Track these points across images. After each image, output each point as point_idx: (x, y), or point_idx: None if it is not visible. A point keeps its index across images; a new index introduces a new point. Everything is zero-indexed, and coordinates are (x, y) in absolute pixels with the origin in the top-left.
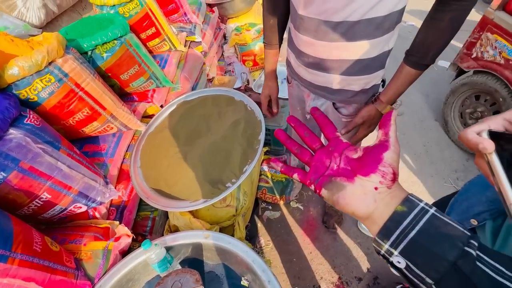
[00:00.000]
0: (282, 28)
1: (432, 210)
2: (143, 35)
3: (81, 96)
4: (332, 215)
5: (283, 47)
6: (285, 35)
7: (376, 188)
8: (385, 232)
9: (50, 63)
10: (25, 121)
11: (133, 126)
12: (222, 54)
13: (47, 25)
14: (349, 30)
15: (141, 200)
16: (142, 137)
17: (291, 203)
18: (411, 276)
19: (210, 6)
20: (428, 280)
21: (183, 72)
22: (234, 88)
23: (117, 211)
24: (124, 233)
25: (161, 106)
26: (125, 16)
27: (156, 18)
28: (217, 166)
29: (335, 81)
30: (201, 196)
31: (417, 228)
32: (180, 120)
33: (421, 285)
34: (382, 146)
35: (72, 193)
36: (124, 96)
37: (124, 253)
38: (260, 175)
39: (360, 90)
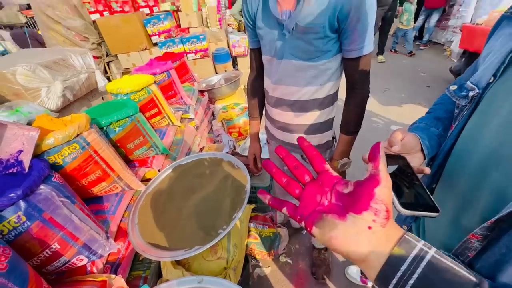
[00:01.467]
0: (261, 105)
1: (431, 252)
2: (147, 114)
3: (97, 160)
4: (320, 266)
5: (263, 119)
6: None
7: (370, 228)
8: (383, 279)
9: (77, 135)
10: (52, 179)
11: (135, 186)
12: (211, 128)
13: (61, 110)
14: (303, 105)
15: (134, 259)
16: (141, 197)
17: (280, 257)
18: None
19: (201, 91)
20: None
21: (179, 143)
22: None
23: (112, 268)
24: (120, 285)
25: (159, 170)
26: (135, 101)
27: (158, 101)
28: (209, 215)
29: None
30: (195, 244)
31: (417, 274)
32: (176, 181)
33: None
34: (372, 180)
35: (78, 245)
36: (127, 163)
37: None
38: (249, 231)
39: (317, 145)
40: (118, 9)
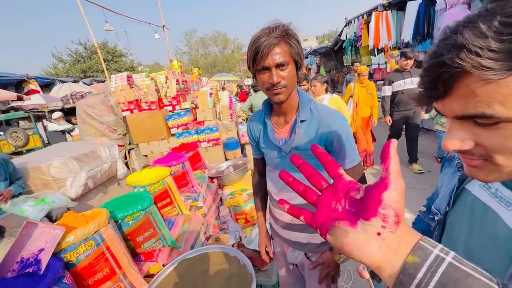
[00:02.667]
0: (266, 200)
1: (449, 258)
2: (159, 204)
3: (107, 257)
4: None
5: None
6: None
7: (379, 234)
8: (400, 286)
9: (95, 232)
10: (63, 280)
11: (138, 286)
12: (218, 214)
13: (79, 197)
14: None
15: None
16: None
17: None
18: None
19: (211, 178)
20: None
21: (186, 233)
22: (228, 244)
23: None
24: None
25: (163, 265)
26: (150, 192)
27: (171, 192)
28: None
29: (302, 237)
30: None
31: (434, 281)
32: (180, 278)
33: None
34: (381, 184)
35: None
36: (133, 256)
37: None
38: None
39: (321, 243)
40: (146, 108)
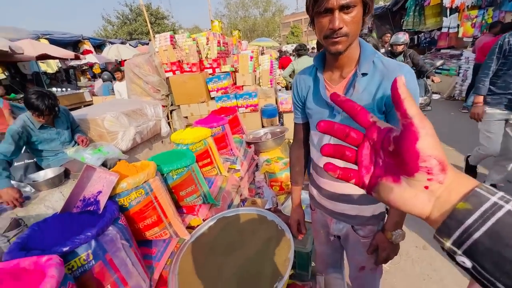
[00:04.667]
0: (303, 173)
1: (509, 206)
2: (200, 163)
3: (155, 205)
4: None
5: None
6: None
7: (426, 187)
8: (444, 229)
9: (145, 181)
10: (119, 221)
11: (181, 234)
12: (254, 179)
13: (129, 151)
14: None
15: None
16: (184, 245)
17: None
18: (479, 277)
19: (248, 144)
20: (499, 285)
21: (224, 192)
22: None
23: None
24: None
25: (203, 220)
26: (192, 151)
27: (212, 152)
28: (249, 282)
29: (350, 209)
30: None
31: (484, 228)
32: (218, 234)
33: (491, 287)
34: (409, 133)
35: None
36: (176, 208)
37: None
38: None
39: (371, 216)
40: (187, 69)
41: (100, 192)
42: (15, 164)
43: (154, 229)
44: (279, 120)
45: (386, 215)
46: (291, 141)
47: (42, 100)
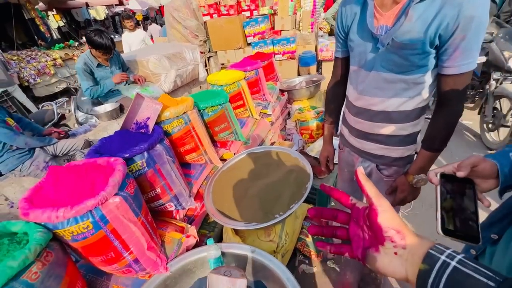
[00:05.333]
0: (338, 111)
1: (453, 263)
2: (233, 105)
3: (193, 134)
4: (369, 284)
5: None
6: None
7: (395, 253)
8: None
9: (184, 113)
10: (164, 142)
11: (215, 162)
12: (285, 126)
13: (170, 93)
14: (387, 116)
15: (203, 221)
16: (217, 172)
17: (328, 262)
18: None
19: (282, 91)
20: None
21: (254, 133)
22: None
23: (188, 220)
24: (193, 234)
25: (234, 154)
26: (226, 92)
27: (245, 95)
28: (270, 201)
29: (378, 149)
30: (254, 221)
31: (441, 286)
32: (247, 165)
33: None
34: (371, 211)
35: (171, 194)
36: (211, 142)
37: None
38: (302, 228)
39: (398, 157)
40: (225, 12)
41: (148, 118)
42: (82, 98)
43: (192, 154)
44: (317, 70)
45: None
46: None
47: (103, 37)
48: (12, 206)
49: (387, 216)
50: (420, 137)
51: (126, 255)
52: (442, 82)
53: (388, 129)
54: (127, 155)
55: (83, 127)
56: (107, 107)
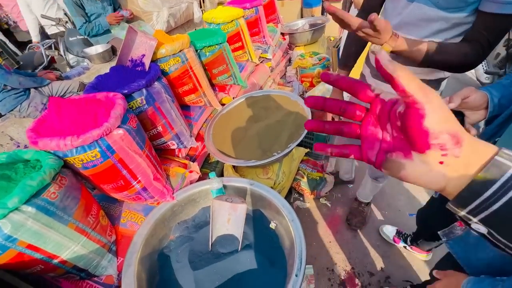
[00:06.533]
0: (358, 56)
1: None
2: (232, 47)
3: (191, 75)
4: (356, 215)
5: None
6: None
7: (441, 162)
8: (460, 201)
9: (180, 51)
10: (162, 80)
11: (214, 105)
12: (285, 73)
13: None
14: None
15: (205, 161)
16: (217, 115)
17: (320, 199)
18: (494, 241)
19: (283, 34)
20: None
21: (253, 78)
22: None
23: (190, 160)
24: (195, 170)
25: (233, 98)
26: (224, 31)
27: (243, 35)
28: (269, 140)
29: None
30: (253, 159)
31: (504, 199)
32: (246, 108)
33: (506, 249)
34: (414, 112)
35: (172, 133)
36: (211, 86)
37: None
38: (298, 169)
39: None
40: None
41: (143, 55)
42: (70, 39)
43: (191, 96)
44: (322, 13)
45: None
46: (331, 37)
47: None
48: (18, 146)
49: (438, 116)
50: (444, 83)
51: (134, 183)
52: (478, 20)
53: (413, 72)
54: (125, 91)
55: (76, 70)
56: (98, 48)
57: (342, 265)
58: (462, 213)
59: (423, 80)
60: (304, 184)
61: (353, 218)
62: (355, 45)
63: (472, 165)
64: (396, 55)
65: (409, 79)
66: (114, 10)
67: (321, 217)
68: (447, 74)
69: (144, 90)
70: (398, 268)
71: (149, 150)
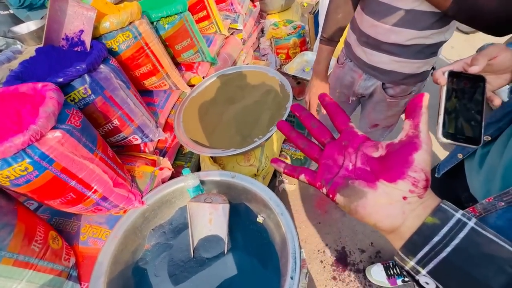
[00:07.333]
0: (345, 26)
1: (471, 223)
2: (195, 17)
3: (148, 53)
4: None
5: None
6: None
7: (405, 198)
8: (411, 247)
9: (130, 23)
10: (110, 62)
11: (181, 87)
12: (258, 46)
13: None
14: (413, 18)
15: (178, 152)
16: (186, 99)
17: None
18: None
19: (252, 1)
20: None
21: (224, 53)
22: None
23: (160, 153)
24: (166, 166)
25: (203, 77)
26: None
27: (208, 3)
28: (248, 124)
29: (388, 62)
30: (232, 147)
31: (452, 245)
32: (219, 89)
33: None
34: (411, 144)
35: (133, 126)
36: (175, 66)
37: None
38: (281, 151)
39: (410, 74)
40: None
41: (82, 31)
42: None
43: (151, 78)
44: None
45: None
46: (305, 2)
47: None
48: None
49: (426, 159)
50: (441, 50)
51: (89, 194)
52: None
53: (409, 35)
54: (60, 79)
55: (4, 54)
56: (30, 25)
57: (333, 245)
58: (411, 263)
59: (410, 75)
60: None
61: None
62: (341, 9)
63: (428, 209)
64: None
65: (426, 123)
66: None
67: (308, 198)
68: (447, 36)
69: (86, 76)
70: (387, 241)
71: (104, 151)
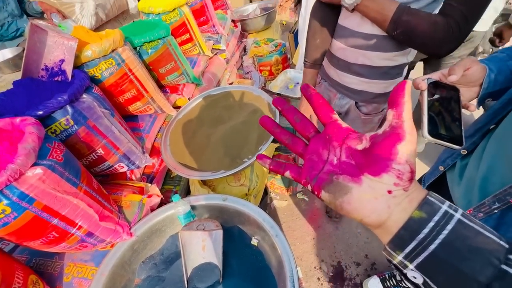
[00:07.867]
0: (325, 48)
1: (457, 215)
2: (178, 40)
3: (132, 79)
4: None
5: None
6: None
7: (390, 192)
8: (398, 242)
9: (113, 50)
10: (93, 91)
11: (167, 110)
12: (242, 64)
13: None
14: (376, 42)
15: (166, 176)
16: (172, 121)
17: (297, 194)
18: None
19: (234, 22)
20: None
21: (208, 73)
22: None
23: (147, 179)
24: (155, 193)
25: (189, 99)
26: (167, 23)
27: (190, 26)
28: (236, 145)
29: (358, 83)
30: (221, 169)
31: (439, 239)
32: (205, 110)
33: None
34: (395, 135)
35: (119, 154)
36: (159, 87)
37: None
38: None
39: (379, 93)
40: None
41: (62, 60)
42: None
43: (136, 104)
44: None
45: None
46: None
47: None
48: None
49: (410, 150)
50: (406, 71)
51: (74, 231)
52: None
53: (374, 57)
54: (40, 112)
55: None
56: (6, 53)
57: (328, 260)
58: (399, 258)
59: (379, 94)
60: (279, 182)
61: (332, 210)
62: (319, 34)
63: (414, 202)
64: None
65: (409, 111)
66: (20, 5)
67: (300, 214)
68: (410, 58)
69: (68, 107)
70: (380, 251)
71: (88, 184)
